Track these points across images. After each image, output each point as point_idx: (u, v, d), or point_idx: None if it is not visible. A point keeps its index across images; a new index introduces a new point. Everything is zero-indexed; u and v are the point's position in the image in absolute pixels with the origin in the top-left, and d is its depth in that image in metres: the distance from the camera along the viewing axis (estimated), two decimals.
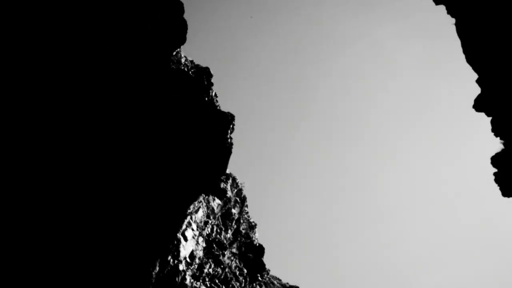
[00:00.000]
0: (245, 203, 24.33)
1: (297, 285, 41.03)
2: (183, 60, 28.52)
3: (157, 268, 11.66)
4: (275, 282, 40.15)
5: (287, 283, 43.73)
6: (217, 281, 14.32)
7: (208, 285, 13.73)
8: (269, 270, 46.84)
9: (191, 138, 14.76)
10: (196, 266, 13.68)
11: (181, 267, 12.24)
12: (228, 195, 19.81)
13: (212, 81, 36.97)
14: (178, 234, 12.66)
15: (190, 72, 31.60)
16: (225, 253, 16.12)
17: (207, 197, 17.66)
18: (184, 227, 13.20)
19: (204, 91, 34.47)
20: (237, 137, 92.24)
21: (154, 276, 11.47)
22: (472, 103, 7.91)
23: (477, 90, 8.10)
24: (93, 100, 10.96)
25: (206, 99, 33.90)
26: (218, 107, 37.33)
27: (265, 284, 39.78)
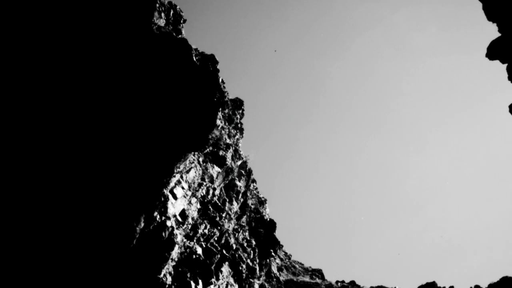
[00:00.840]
0: (251, 177, 23.20)
1: (319, 268, 39.48)
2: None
3: (142, 224, 10.70)
4: (297, 266, 38.75)
5: (310, 266, 42.29)
6: (214, 243, 13.23)
7: (204, 245, 12.66)
8: (291, 255, 45.38)
9: (177, 94, 13.76)
10: (190, 226, 12.64)
11: (169, 223, 11.22)
12: (228, 164, 18.74)
13: (218, 67, 36.10)
14: (165, 191, 11.66)
15: (195, 59, 30.84)
16: (223, 215, 15.03)
17: (204, 164, 16.66)
18: (172, 184, 12.20)
19: (210, 77, 33.67)
20: (251, 117, 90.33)
21: (138, 231, 10.50)
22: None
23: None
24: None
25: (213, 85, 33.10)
26: (226, 93, 36.44)
27: (286, 267, 38.45)
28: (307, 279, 35.11)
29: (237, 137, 43.01)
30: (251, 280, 18.62)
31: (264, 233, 22.99)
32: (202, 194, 14.02)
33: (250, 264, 18.78)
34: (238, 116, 43.08)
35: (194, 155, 15.18)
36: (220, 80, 37.21)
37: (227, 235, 14.98)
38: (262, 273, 23.08)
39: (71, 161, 10.37)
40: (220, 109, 30.93)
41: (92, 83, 10.97)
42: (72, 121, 10.42)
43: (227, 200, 19.18)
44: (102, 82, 11.06)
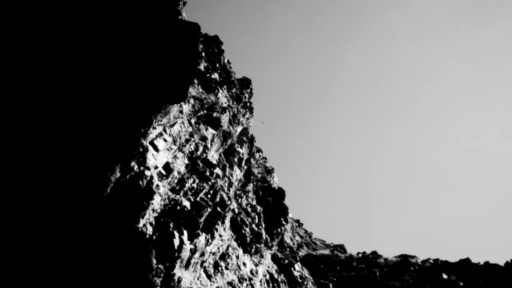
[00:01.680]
0: (254, 144, 22.30)
1: (342, 243, 38.26)
2: None
3: (118, 174, 10.00)
4: (318, 243, 37.66)
5: (332, 243, 41.08)
6: (205, 198, 12.43)
7: (192, 199, 11.88)
8: (312, 233, 44.25)
9: (157, 47, 12.95)
10: (176, 180, 11.89)
11: (148, 173, 10.50)
12: (225, 128, 17.89)
13: (222, 48, 35.16)
14: (144, 142, 10.93)
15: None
16: (214, 171, 14.20)
17: (197, 125, 15.88)
18: (153, 136, 11.45)
19: (215, 58, 32.75)
20: (268, 96, 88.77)
21: (113, 180, 9.83)
22: None
23: None
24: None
25: (218, 65, 32.22)
26: (232, 73, 35.45)
27: (306, 244, 37.44)
28: (326, 252, 34.08)
29: (247, 116, 42.15)
30: (257, 245, 17.78)
31: (272, 201, 22.10)
32: (191, 150, 13.23)
33: (256, 229, 17.94)
34: (246, 95, 42.17)
35: (182, 113, 14.42)
36: (226, 61, 36.23)
37: (223, 193, 14.16)
38: (274, 243, 22.22)
39: (41, 101, 9.78)
40: (226, 87, 29.95)
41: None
42: (47, 61, 9.80)
43: (227, 165, 18.38)
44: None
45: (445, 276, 24.67)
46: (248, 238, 16.64)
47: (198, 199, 12.14)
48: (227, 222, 15.63)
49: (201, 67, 26.43)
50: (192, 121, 15.62)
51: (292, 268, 22.03)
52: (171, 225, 10.23)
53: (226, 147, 18.53)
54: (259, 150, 24.74)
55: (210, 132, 16.37)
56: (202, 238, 11.56)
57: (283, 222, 22.64)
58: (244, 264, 16.36)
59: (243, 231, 16.39)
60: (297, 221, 44.18)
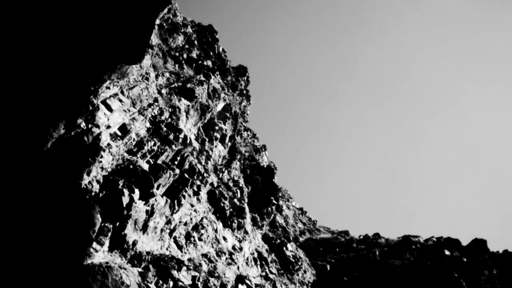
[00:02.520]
0: (239, 121, 21.55)
1: (346, 229, 37.24)
2: (179, 19, 26.52)
3: (62, 130, 9.40)
4: (322, 229, 36.63)
5: (337, 229, 40.01)
6: (166, 160, 11.73)
7: (152, 162, 11.19)
8: (316, 221, 43.20)
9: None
10: (134, 141, 11.23)
11: (96, 130, 9.86)
12: (201, 100, 17.18)
13: (217, 37, 34.48)
14: (94, 100, 10.30)
15: (191, 30, 29.52)
16: (180, 136, 13.49)
17: (168, 95, 15.22)
18: (106, 95, 10.80)
19: (209, 47, 32.07)
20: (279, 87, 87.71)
21: (55, 136, 9.22)
22: None
23: None
24: None
25: (212, 53, 31.57)
26: (227, 61, 34.76)
27: (309, 231, 36.46)
28: (327, 236, 33.06)
29: (243, 104, 41.41)
30: (240, 220, 17.02)
31: (261, 180, 21.30)
32: (154, 114, 12.56)
33: (237, 203, 17.18)
34: (243, 83, 41.44)
35: (148, 80, 13.75)
36: (221, 49, 35.43)
37: (194, 161, 13.45)
38: (265, 222, 21.43)
39: None
40: (219, 73, 29.26)
41: None
42: None
43: (207, 140, 17.68)
44: None
45: (447, 252, 23.42)
46: (228, 212, 15.88)
47: (159, 161, 11.45)
48: (203, 194, 14.93)
49: (193, 54, 25.85)
50: (164, 91, 14.96)
51: (284, 248, 21.18)
52: (121, 183, 9.57)
53: (205, 121, 17.83)
54: (247, 129, 23.98)
55: (183, 103, 15.69)
56: (161, 201, 10.86)
57: (274, 201, 21.81)
58: (225, 238, 15.62)
59: (222, 204, 15.65)
60: (301, 209, 43.21)
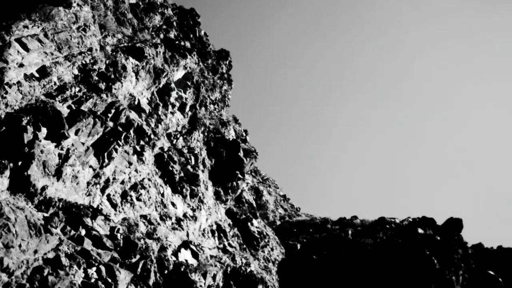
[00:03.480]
0: (202, 92, 20.73)
1: (326, 217, 36.53)
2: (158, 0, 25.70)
3: None
4: (303, 216, 35.83)
5: (320, 216, 39.20)
6: (92, 107, 10.90)
7: (74, 107, 10.36)
8: (299, 208, 42.36)
9: None
10: (55, 86, 10.40)
11: (3, 65, 9.03)
12: (155, 63, 16.33)
13: (199, 20, 33.70)
14: (6, 36, 9.48)
15: (172, 12, 28.69)
16: (120, 91, 12.64)
17: (114, 53, 14.39)
18: (21, 33, 9.96)
19: (189, 29, 31.30)
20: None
21: None
22: None
23: None
24: None
25: (192, 36, 30.74)
26: (208, 45, 33.90)
27: (289, 216, 35.59)
28: (303, 218, 32.25)
29: (224, 87, 40.55)
30: (193, 188, 16.19)
31: (226, 153, 20.48)
32: (84, 62, 11.71)
33: (191, 170, 16.34)
34: (224, 67, 40.55)
35: (94, 37, 12.89)
36: (203, 33, 34.51)
37: (131, 116, 12.63)
38: (229, 197, 20.61)
39: None
40: (196, 53, 28.38)
41: None
42: None
43: (161, 104, 16.85)
44: None
45: (420, 230, 22.57)
46: (177, 177, 15.05)
47: (84, 108, 10.62)
48: (148, 155, 14.10)
49: (171, 35, 25.05)
50: (108, 48, 14.14)
51: (249, 223, 20.35)
52: (25, 120, 8.74)
53: (160, 86, 16.98)
54: (215, 103, 23.16)
55: (131, 62, 14.84)
56: (80, 147, 10.03)
57: (240, 176, 20.97)
58: (174, 204, 14.79)
59: (170, 168, 14.82)
60: (284, 196, 42.40)
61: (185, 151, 16.60)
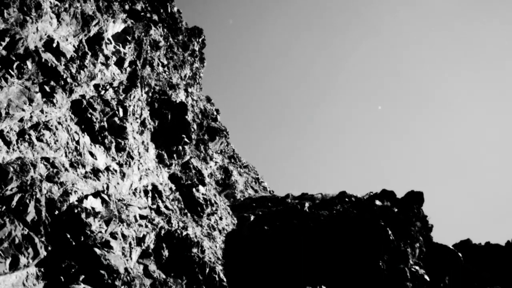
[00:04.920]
0: (145, 49, 19.59)
1: (289, 193, 35.62)
2: None
3: None
4: (269, 196, 34.76)
5: (286, 194, 38.27)
6: None
7: None
8: (273, 191, 41.33)
9: None
10: None
11: None
12: (81, 7, 15.21)
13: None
14: None
15: None
16: (27, 24, 11.45)
17: None
18: None
19: (160, 4, 30.13)
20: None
21: None
22: None
23: None
24: None
25: (162, 10, 29.55)
26: (180, 21, 32.72)
27: (256, 191, 34.46)
28: (264, 194, 31.19)
29: (196, 65, 39.35)
30: (120, 141, 15.10)
31: (172, 116, 19.39)
32: None
33: (118, 121, 15.24)
34: (196, 44, 39.34)
35: None
36: (175, 10, 33.22)
37: (41, 53, 11.52)
38: (174, 162, 19.53)
39: None
40: (161, 25, 27.21)
41: None
42: None
43: (90, 53, 15.72)
44: None
45: (378, 202, 21.57)
46: (97, 125, 13.94)
47: None
48: (61, 98, 12.98)
49: (138, 6, 23.83)
50: None
51: (194, 189, 19.28)
52: None
53: (91, 35, 15.85)
54: (164, 65, 22.04)
55: (49, 1, 13.71)
56: None
57: (186, 140, 19.87)
58: (93, 154, 13.68)
59: (89, 115, 13.71)
60: (257, 178, 41.39)
61: (114, 102, 15.49)
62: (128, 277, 10.66)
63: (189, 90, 34.40)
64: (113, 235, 11.42)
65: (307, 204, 22.59)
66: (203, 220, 18.98)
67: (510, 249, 46.55)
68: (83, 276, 9.62)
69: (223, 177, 35.03)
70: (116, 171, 14.65)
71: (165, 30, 29.97)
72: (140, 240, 14.89)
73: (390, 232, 19.58)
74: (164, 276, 14.93)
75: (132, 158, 15.73)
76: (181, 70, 32.69)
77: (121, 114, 15.50)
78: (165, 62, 22.21)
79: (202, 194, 19.51)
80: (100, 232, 11.04)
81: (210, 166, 33.42)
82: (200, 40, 39.50)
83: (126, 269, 10.69)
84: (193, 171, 20.07)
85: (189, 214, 18.36)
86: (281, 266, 18.84)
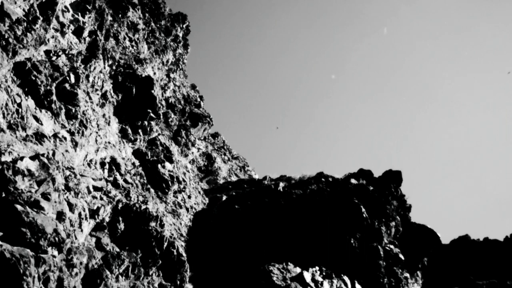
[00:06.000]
0: (107, 19, 18.89)
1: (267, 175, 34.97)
2: None
3: None
4: (247, 180, 34.05)
5: (262, 178, 37.47)
6: None
7: None
8: (249, 169, 40.56)
9: None
10: None
11: None
12: None
13: None
14: None
15: None
16: None
17: None
18: None
19: None
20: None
21: None
22: None
23: None
24: None
25: None
26: (163, 7, 32.00)
27: (240, 177, 33.72)
28: (243, 177, 30.52)
29: (179, 51, 38.57)
30: (69, 107, 14.43)
31: (136, 89, 18.71)
32: None
33: (68, 87, 14.56)
34: (180, 30, 38.59)
35: None
36: None
37: None
38: (139, 137, 18.85)
39: None
40: (140, 7, 26.50)
41: None
42: None
43: (41, 18, 15.02)
44: None
45: (354, 181, 20.79)
46: (42, 89, 13.25)
47: None
48: (2, 59, 12.32)
49: None
50: None
51: (160, 166, 18.58)
52: None
53: (43, 0, 15.20)
54: (132, 40, 21.34)
55: None
56: None
57: (152, 115, 19.18)
58: (38, 119, 13.00)
59: (33, 78, 13.03)
60: (243, 166, 40.69)
61: (66, 69, 14.81)
62: (57, 238, 9.96)
63: (171, 75, 33.73)
64: (45, 196, 10.73)
65: (281, 184, 21.87)
66: (168, 197, 18.29)
67: (509, 244, 45.67)
68: (1, 233, 8.93)
69: (206, 163, 34.35)
70: (65, 138, 13.96)
71: (147, 14, 29.31)
72: (94, 213, 14.22)
73: (363, 209, 18.82)
74: (118, 250, 14.26)
75: (86, 128, 15.05)
76: (163, 55, 31.99)
77: (72, 80, 14.81)
78: (134, 37, 21.53)
79: (169, 171, 18.81)
80: (30, 192, 10.35)
81: (192, 152, 32.74)
82: (184, 26, 38.80)
83: (55, 230, 9.99)
84: (160, 147, 19.38)
85: (152, 190, 17.68)
86: (249, 244, 18.12)
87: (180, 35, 37.57)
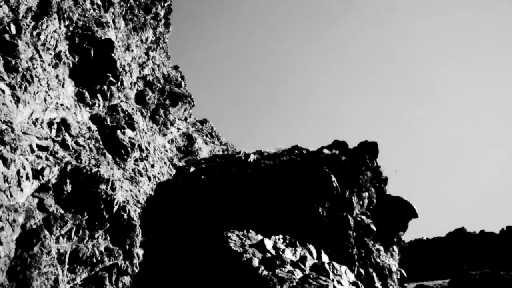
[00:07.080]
0: None
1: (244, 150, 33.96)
2: None
3: None
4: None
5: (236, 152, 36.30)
6: None
7: None
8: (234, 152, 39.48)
9: None
10: None
11: None
12: None
13: None
14: None
15: None
16: None
17: None
18: None
19: None
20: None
21: None
22: None
23: None
24: None
25: None
26: None
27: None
28: (219, 154, 29.63)
29: (159, 29, 37.43)
30: (9, 58, 13.47)
31: (95, 52, 17.73)
32: None
33: (8, 38, 13.60)
34: (160, 8, 37.46)
35: None
36: None
37: None
38: (98, 102, 17.94)
39: None
40: None
41: None
42: None
43: None
44: None
45: (326, 151, 19.84)
46: None
47: None
48: None
49: None
50: None
51: (119, 132, 17.64)
52: None
53: None
54: (94, 3, 20.31)
55: None
56: None
57: (112, 79, 18.21)
58: None
59: None
60: (226, 149, 39.71)
61: (7, 20, 13.84)
62: None
63: (151, 53, 32.71)
64: None
65: (253, 156, 20.95)
66: (127, 164, 17.36)
67: (505, 236, 44.78)
68: None
69: (185, 144, 33.41)
70: (3, 91, 13.02)
71: None
72: (38, 173, 13.30)
73: (334, 179, 17.89)
74: (62, 211, 13.36)
75: (30, 83, 14.09)
76: (141, 32, 30.94)
77: (13, 31, 13.84)
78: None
79: (130, 137, 17.87)
80: None
81: (171, 132, 31.82)
82: (165, 4, 37.76)
83: None
84: (122, 114, 18.43)
85: (110, 156, 16.75)
86: (212, 214, 17.22)
87: (161, 13, 36.50)
